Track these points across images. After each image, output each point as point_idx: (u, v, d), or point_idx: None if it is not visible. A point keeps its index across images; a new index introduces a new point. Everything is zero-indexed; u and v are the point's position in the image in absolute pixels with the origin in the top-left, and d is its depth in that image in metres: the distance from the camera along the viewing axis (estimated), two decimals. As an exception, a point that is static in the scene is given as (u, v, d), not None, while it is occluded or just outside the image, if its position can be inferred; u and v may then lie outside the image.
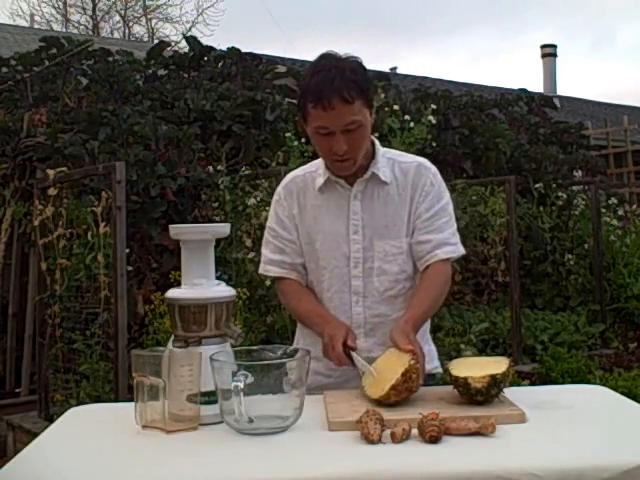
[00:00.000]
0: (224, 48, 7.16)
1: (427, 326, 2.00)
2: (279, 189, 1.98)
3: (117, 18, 21.99)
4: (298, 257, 1.93)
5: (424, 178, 1.90)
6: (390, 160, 1.92)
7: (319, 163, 1.93)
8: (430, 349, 1.98)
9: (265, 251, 1.98)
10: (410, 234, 1.89)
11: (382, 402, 1.54)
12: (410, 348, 1.61)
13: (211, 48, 7.14)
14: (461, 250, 1.93)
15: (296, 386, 1.43)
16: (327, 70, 1.74)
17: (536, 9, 45.35)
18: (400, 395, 1.54)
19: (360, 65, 1.80)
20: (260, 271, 2.01)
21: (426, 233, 1.88)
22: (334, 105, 1.72)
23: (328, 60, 1.78)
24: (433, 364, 1.94)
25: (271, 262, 1.96)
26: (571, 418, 1.52)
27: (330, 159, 1.84)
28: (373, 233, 1.88)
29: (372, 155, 1.89)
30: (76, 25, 21.26)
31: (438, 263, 1.87)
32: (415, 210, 1.88)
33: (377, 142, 1.92)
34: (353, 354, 1.71)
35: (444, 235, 1.88)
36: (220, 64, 6.99)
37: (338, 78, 1.72)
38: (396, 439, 1.36)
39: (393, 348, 1.66)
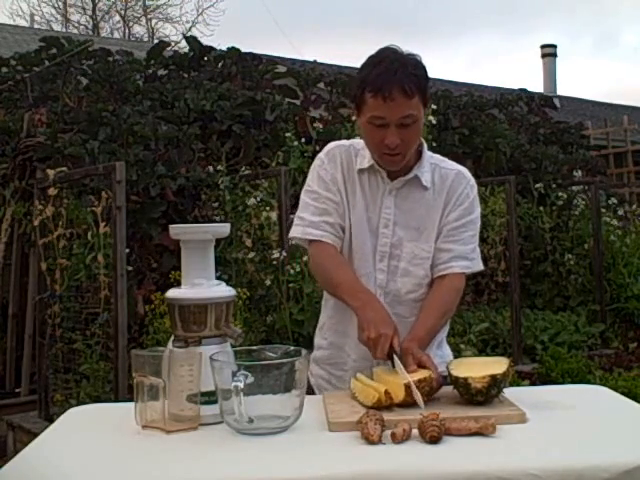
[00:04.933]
0: (224, 48, 7.17)
1: (443, 333, 1.99)
2: (321, 155, 1.95)
3: (117, 18, 22.03)
4: (340, 218, 1.89)
5: (461, 187, 1.89)
6: (432, 165, 1.91)
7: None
8: (442, 354, 1.97)
9: (304, 214, 1.90)
10: (436, 239, 1.88)
11: (377, 407, 1.52)
12: (414, 369, 1.61)
13: (211, 48, 7.15)
14: (478, 266, 1.93)
15: (296, 386, 1.43)
16: (390, 62, 1.74)
17: (540, 11, 45.31)
18: (405, 399, 1.53)
19: (421, 63, 1.80)
20: (296, 234, 1.91)
21: (449, 242, 1.87)
22: (394, 96, 1.71)
23: (390, 53, 1.78)
24: (442, 367, 1.93)
25: (312, 225, 1.88)
26: (571, 418, 1.53)
27: (380, 152, 1.81)
28: (404, 233, 1.87)
29: (418, 157, 1.89)
30: (76, 25, 21.30)
31: (452, 276, 1.86)
32: (446, 217, 1.88)
33: (425, 145, 1.92)
34: (395, 359, 1.67)
35: (466, 248, 1.88)
36: (220, 64, 6.99)
37: (401, 70, 1.72)
38: (396, 439, 1.36)
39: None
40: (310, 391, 1.85)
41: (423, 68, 1.79)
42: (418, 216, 1.88)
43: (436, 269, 1.88)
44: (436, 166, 1.92)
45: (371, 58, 1.80)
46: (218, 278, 1.63)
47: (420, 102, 1.76)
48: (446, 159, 1.98)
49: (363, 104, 1.77)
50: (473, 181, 1.94)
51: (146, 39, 20.61)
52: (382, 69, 1.73)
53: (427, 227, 1.88)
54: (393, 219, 1.87)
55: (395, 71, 1.72)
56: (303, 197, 1.95)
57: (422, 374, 1.58)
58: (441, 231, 1.88)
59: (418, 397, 1.53)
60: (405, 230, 1.87)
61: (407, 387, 1.53)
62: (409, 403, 1.53)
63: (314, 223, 1.88)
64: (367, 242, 1.88)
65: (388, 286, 1.88)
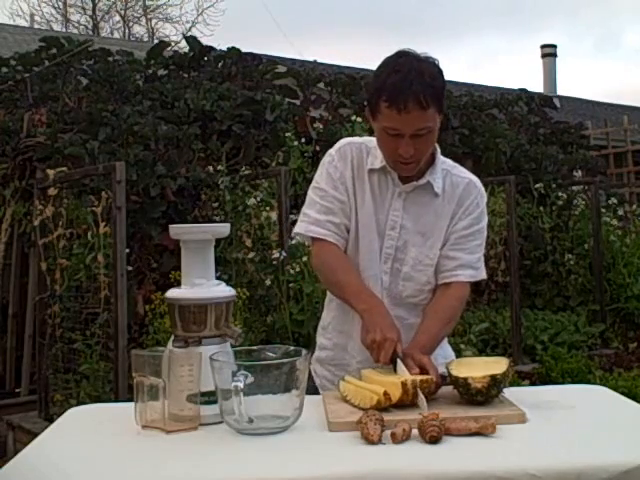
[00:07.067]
0: (224, 48, 7.16)
1: None
2: (332, 151, 1.92)
3: (117, 18, 22.00)
4: (345, 218, 1.87)
5: (472, 197, 1.89)
6: (444, 171, 1.90)
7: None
8: (444, 354, 1.96)
9: (310, 211, 1.89)
10: (442, 246, 1.88)
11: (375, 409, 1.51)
12: (416, 371, 1.61)
13: (211, 48, 7.14)
14: (482, 275, 1.92)
15: (296, 386, 1.43)
16: (406, 71, 1.69)
17: (542, 12, 45.28)
18: (401, 397, 1.53)
19: (438, 69, 1.76)
20: (300, 230, 1.90)
21: (456, 250, 1.87)
22: (409, 109, 1.68)
23: (407, 60, 1.73)
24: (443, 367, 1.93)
25: (316, 222, 1.86)
26: (571, 418, 1.53)
27: (393, 159, 1.80)
28: (410, 237, 1.86)
29: (431, 162, 1.87)
30: (76, 25, 21.28)
31: (458, 285, 1.86)
32: (454, 225, 1.87)
33: (438, 149, 1.89)
34: (398, 362, 1.67)
35: (472, 257, 1.88)
36: (220, 64, 6.98)
37: (417, 81, 1.68)
38: (396, 440, 1.36)
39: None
40: (315, 391, 1.85)
41: (441, 76, 1.76)
42: (426, 222, 1.87)
43: (441, 276, 1.87)
44: (448, 172, 1.90)
45: (388, 64, 1.75)
46: (218, 278, 1.63)
47: (436, 112, 1.73)
48: (458, 165, 1.96)
49: (378, 112, 1.74)
50: (483, 191, 1.92)
51: (146, 39, 20.60)
52: (398, 78, 1.69)
53: (434, 234, 1.87)
54: (400, 222, 1.86)
55: (411, 81, 1.67)
56: (310, 193, 1.93)
57: (424, 376, 1.58)
58: (448, 239, 1.87)
59: (422, 400, 1.52)
60: (411, 234, 1.86)
61: (404, 385, 1.52)
62: (405, 402, 1.53)
63: (319, 221, 1.87)
64: (374, 243, 1.87)
65: (390, 288, 1.88)
